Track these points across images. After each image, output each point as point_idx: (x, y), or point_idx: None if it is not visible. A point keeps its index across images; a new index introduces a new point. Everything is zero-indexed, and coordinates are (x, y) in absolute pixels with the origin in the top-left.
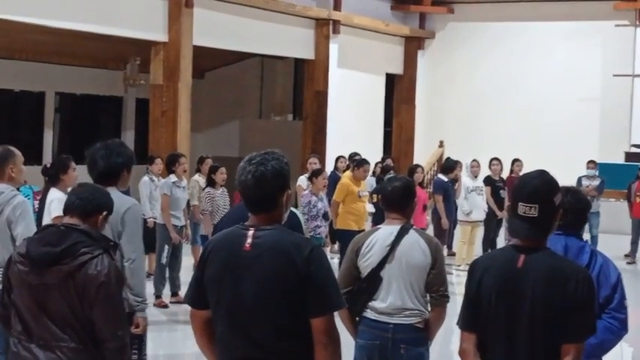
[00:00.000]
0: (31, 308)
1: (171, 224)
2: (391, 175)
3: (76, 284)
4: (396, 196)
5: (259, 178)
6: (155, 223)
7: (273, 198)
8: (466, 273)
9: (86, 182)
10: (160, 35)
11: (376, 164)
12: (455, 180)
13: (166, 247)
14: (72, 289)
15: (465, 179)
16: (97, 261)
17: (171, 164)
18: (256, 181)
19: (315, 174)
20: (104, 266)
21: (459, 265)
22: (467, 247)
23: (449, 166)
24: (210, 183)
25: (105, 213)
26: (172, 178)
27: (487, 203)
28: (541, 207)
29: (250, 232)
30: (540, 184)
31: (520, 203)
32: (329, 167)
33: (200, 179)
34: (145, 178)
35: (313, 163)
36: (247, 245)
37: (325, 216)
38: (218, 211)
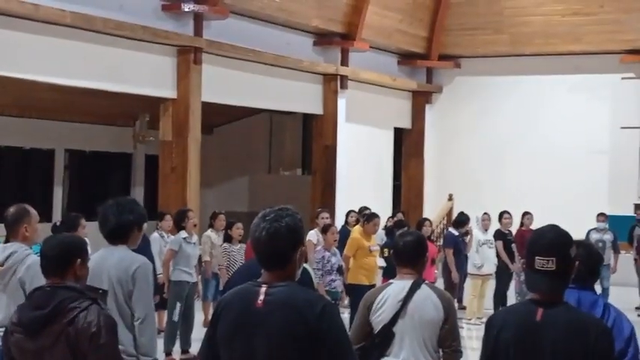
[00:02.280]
0: None
1: (167, 276)
2: (403, 230)
3: (69, 340)
4: (409, 251)
5: (273, 234)
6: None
7: (287, 255)
8: (477, 327)
9: (50, 235)
10: (169, 92)
11: (388, 219)
12: (465, 234)
13: (178, 304)
14: (66, 346)
15: (476, 232)
16: (87, 313)
17: (180, 221)
18: (270, 238)
19: (324, 230)
20: (94, 317)
21: (469, 319)
22: (477, 300)
23: (461, 220)
24: (227, 239)
25: (78, 261)
26: (183, 234)
27: (498, 257)
28: (558, 260)
29: (263, 289)
30: (556, 237)
31: (537, 257)
32: (339, 222)
33: (212, 235)
34: (155, 234)
35: (325, 217)
36: (260, 302)
37: (340, 270)
38: (235, 267)
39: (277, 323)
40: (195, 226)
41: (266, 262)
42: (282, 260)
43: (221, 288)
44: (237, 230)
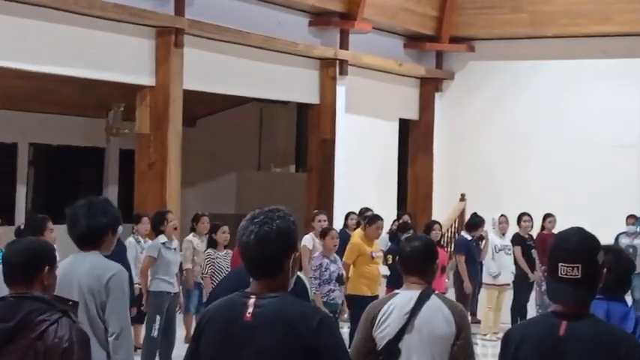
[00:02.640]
0: None
1: (145, 286)
2: (409, 234)
3: (38, 357)
4: (416, 257)
5: (262, 239)
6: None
7: (278, 262)
8: (492, 343)
9: (14, 240)
10: (147, 78)
11: (393, 221)
12: (480, 238)
13: (157, 317)
14: None
15: (492, 237)
16: (57, 327)
17: (158, 224)
18: (259, 243)
19: (323, 234)
20: (65, 331)
21: (484, 335)
22: (493, 313)
23: (474, 223)
24: (211, 244)
25: (46, 268)
26: (162, 238)
27: (516, 264)
28: (584, 267)
29: (251, 301)
30: (581, 242)
31: (560, 264)
32: (337, 225)
33: (194, 239)
34: (131, 239)
35: (322, 220)
36: (248, 315)
37: (339, 279)
38: (220, 275)
39: (268, 339)
40: (175, 229)
41: (255, 270)
42: (273, 268)
43: (205, 299)
44: (223, 235)
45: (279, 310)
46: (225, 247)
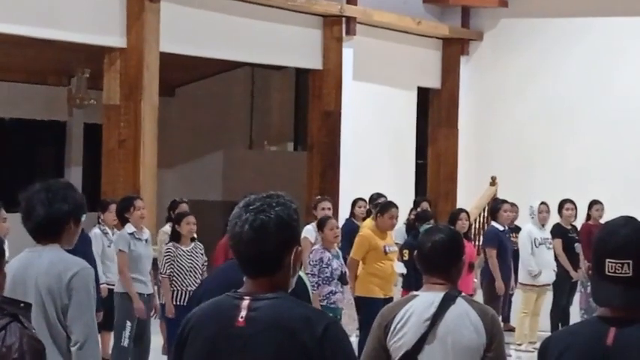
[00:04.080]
0: None
1: (134, 291)
2: (430, 225)
3: None
4: (438, 253)
5: (259, 229)
6: (111, 291)
7: (277, 257)
8: (528, 354)
9: None
10: (116, 39)
11: (410, 210)
12: (514, 229)
13: (128, 323)
14: None
15: (531, 228)
16: (5, 334)
17: (124, 210)
18: (255, 234)
19: (320, 224)
20: (15, 339)
21: (519, 345)
22: (531, 319)
23: (494, 208)
24: (175, 236)
25: None
26: (129, 228)
27: (556, 261)
28: (636, 263)
29: (245, 303)
30: (632, 233)
31: (608, 260)
32: (343, 214)
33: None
34: (96, 230)
35: (326, 208)
36: (241, 320)
37: (342, 278)
38: (182, 275)
39: (264, 348)
40: (142, 218)
41: (249, 267)
42: (271, 264)
43: (183, 302)
44: (187, 226)
45: (278, 313)
46: (191, 240)
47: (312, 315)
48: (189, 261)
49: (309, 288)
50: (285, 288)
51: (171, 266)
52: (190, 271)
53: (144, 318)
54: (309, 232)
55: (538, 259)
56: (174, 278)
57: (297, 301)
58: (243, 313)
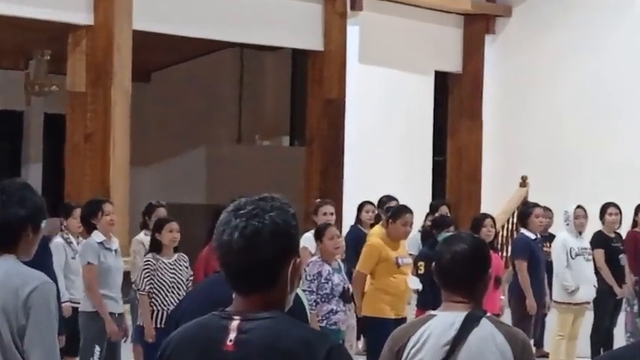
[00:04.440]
0: None
1: (106, 310)
2: (450, 233)
3: None
4: (460, 265)
5: (251, 237)
6: (75, 310)
7: (272, 269)
8: None
9: None
10: (82, 16)
11: (427, 215)
12: (548, 237)
13: (97, 348)
14: None
15: (566, 237)
16: None
17: (89, 216)
18: (246, 243)
19: (319, 232)
20: None
21: None
22: (567, 343)
23: (524, 213)
24: (155, 247)
25: None
26: (97, 236)
27: (597, 275)
28: None
29: (234, 323)
30: None
31: None
32: (348, 219)
33: (147, 239)
34: (58, 239)
35: (328, 213)
36: (229, 343)
37: (344, 296)
38: (163, 292)
39: None
40: (112, 225)
41: (239, 282)
42: (265, 278)
43: (140, 323)
44: (170, 234)
45: (273, 336)
46: (175, 250)
47: (312, 338)
48: (171, 275)
49: (307, 307)
50: (281, 306)
51: (151, 281)
52: (173, 288)
53: (113, 340)
54: (308, 241)
55: (575, 273)
56: (154, 296)
57: (296, 322)
58: (233, 335)
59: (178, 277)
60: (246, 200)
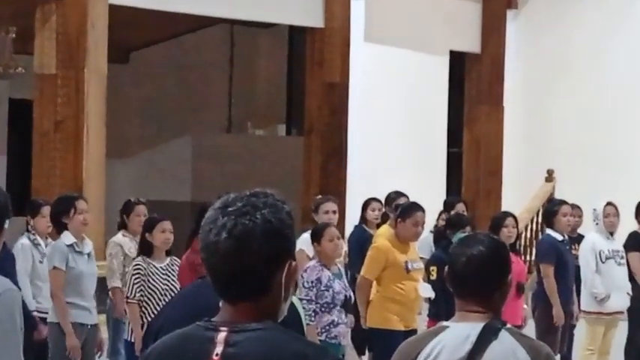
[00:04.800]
0: None
1: (68, 321)
2: (466, 234)
3: None
4: (476, 270)
5: (240, 238)
6: (44, 320)
7: (264, 274)
8: None
9: None
10: None
11: (440, 214)
12: (577, 238)
13: None
14: None
15: (595, 238)
16: None
17: (60, 215)
18: (235, 245)
19: (316, 233)
20: None
21: None
22: (598, 358)
23: (550, 211)
24: (145, 249)
25: None
26: (67, 238)
27: (632, 281)
28: None
29: (221, 335)
30: None
31: None
32: (352, 218)
33: (125, 240)
34: (24, 240)
35: (330, 210)
36: (215, 357)
37: (347, 305)
38: (155, 300)
39: None
40: (85, 224)
41: (227, 288)
42: (256, 284)
43: (126, 337)
44: (162, 235)
45: (266, 350)
46: (167, 253)
47: (310, 352)
48: (163, 282)
49: (303, 317)
50: (274, 316)
51: (142, 288)
52: (165, 296)
53: (77, 356)
54: (306, 242)
55: (605, 279)
56: (144, 304)
57: (291, 334)
58: (219, 348)
59: (171, 284)
60: (235, 196)
